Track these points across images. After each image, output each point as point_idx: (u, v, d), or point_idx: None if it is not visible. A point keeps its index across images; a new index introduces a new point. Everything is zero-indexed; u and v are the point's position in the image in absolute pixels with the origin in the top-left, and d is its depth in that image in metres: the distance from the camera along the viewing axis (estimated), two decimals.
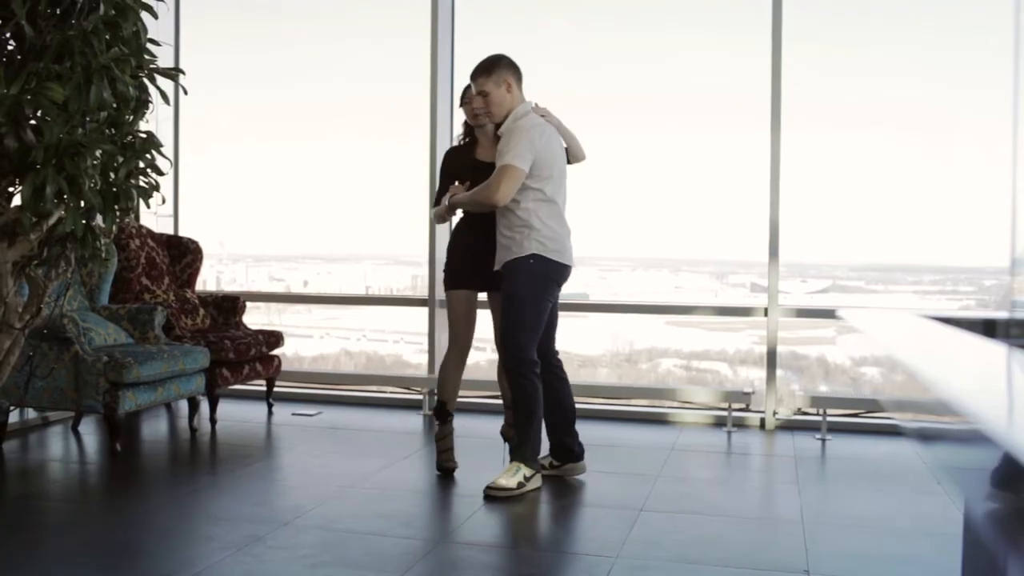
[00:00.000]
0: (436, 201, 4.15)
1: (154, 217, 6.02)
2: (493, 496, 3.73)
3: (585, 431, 4.16)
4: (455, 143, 4.28)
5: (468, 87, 4.03)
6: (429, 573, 2.96)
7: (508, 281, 3.87)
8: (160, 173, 3.06)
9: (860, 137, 5.83)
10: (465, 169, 4.05)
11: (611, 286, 6.76)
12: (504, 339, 3.88)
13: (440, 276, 5.82)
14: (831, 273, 6.50)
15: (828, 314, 5.42)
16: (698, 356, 6.78)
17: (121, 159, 2.88)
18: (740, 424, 5.29)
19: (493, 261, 3.95)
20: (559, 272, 3.91)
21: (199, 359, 4.85)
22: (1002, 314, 1.90)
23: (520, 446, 3.88)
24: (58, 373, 4.48)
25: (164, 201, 3.19)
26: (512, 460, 3.89)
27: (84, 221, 2.84)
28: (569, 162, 4.05)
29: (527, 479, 3.82)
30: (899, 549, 3.25)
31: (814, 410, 5.14)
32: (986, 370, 1.14)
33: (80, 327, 4.51)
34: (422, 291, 6.09)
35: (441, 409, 4.14)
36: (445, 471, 4.08)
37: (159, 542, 3.29)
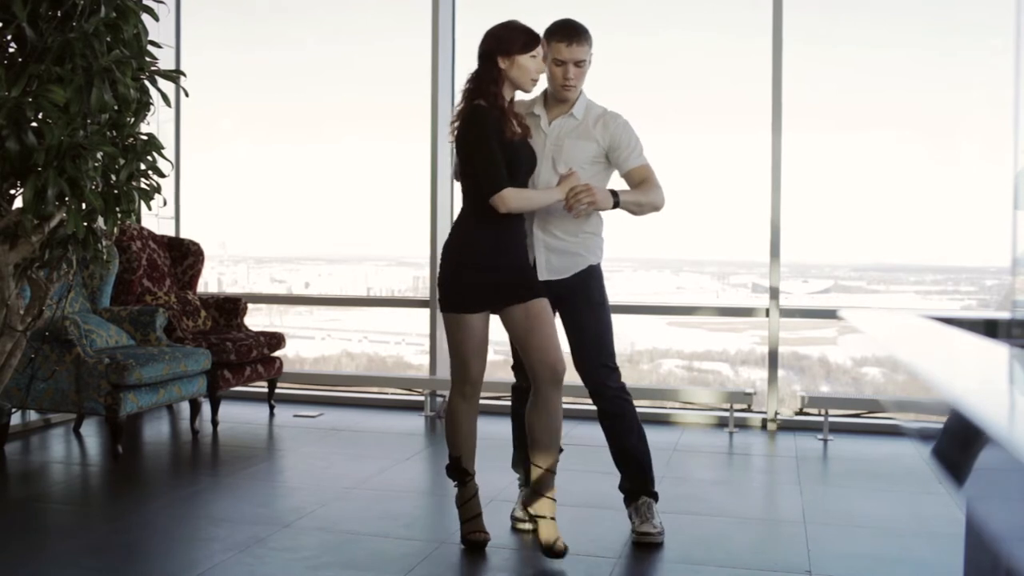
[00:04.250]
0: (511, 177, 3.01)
1: (155, 219, 6.03)
2: (649, 543, 3.22)
3: (586, 432, 4.16)
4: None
5: (538, 37, 3.06)
6: (431, 575, 2.96)
7: (587, 289, 3.31)
8: (161, 175, 3.07)
9: (861, 137, 5.83)
10: (521, 147, 3.10)
11: (613, 286, 6.76)
12: (599, 352, 3.30)
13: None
14: (832, 273, 6.50)
15: (829, 314, 5.42)
16: (700, 357, 6.78)
17: (122, 161, 2.89)
18: (742, 424, 5.29)
19: (518, 271, 3.12)
20: None
21: (200, 361, 4.85)
22: (1003, 314, 1.90)
23: (649, 476, 3.38)
24: (60, 375, 4.48)
25: (165, 203, 3.19)
26: (650, 496, 3.37)
27: (85, 223, 2.84)
28: None
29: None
30: (901, 550, 3.24)
31: (816, 410, 5.13)
32: (988, 370, 1.14)
33: (82, 329, 4.51)
34: (423, 292, 6.09)
35: (456, 467, 3.21)
36: (473, 545, 3.17)
37: (161, 544, 3.29)
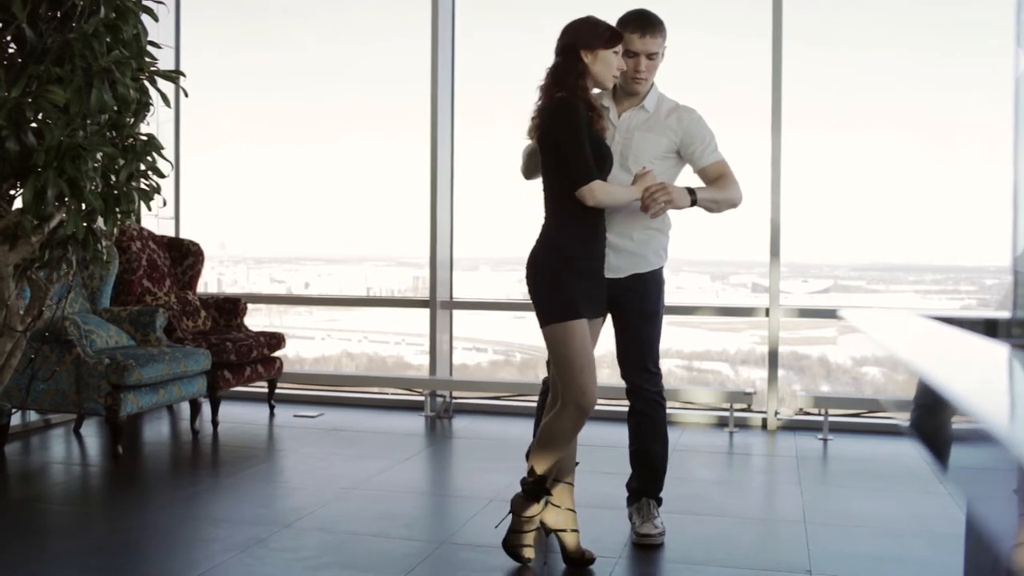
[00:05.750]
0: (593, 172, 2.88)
1: (155, 219, 6.03)
2: (649, 544, 3.21)
3: (587, 432, 4.14)
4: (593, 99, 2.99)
5: (621, 33, 2.99)
6: (430, 575, 2.96)
7: (644, 296, 3.23)
8: (161, 175, 3.06)
9: (861, 137, 5.83)
10: (604, 143, 3.02)
11: None
12: (645, 356, 3.26)
13: (442, 277, 5.87)
14: (832, 273, 6.50)
15: (829, 314, 5.42)
16: (699, 356, 6.78)
17: (122, 161, 2.88)
18: (742, 424, 5.29)
19: (603, 279, 3.05)
20: None
21: (200, 361, 4.85)
22: (1003, 314, 1.90)
23: (660, 481, 3.37)
24: (60, 376, 4.48)
25: (165, 203, 3.19)
26: (654, 498, 3.37)
27: (85, 224, 2.84)
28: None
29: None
30: (901, 549, 3.24)
31: (816, 410, 5.13)
32: (987, 370, 1.14)
33: (82, 329, 4.51)
34: (423, 292, 6.09)
35: (543, 485, 3.00)
36: (519, 559, 3.04)
37: (162, 544, 3.29)
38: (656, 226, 3.21)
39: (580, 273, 2.91)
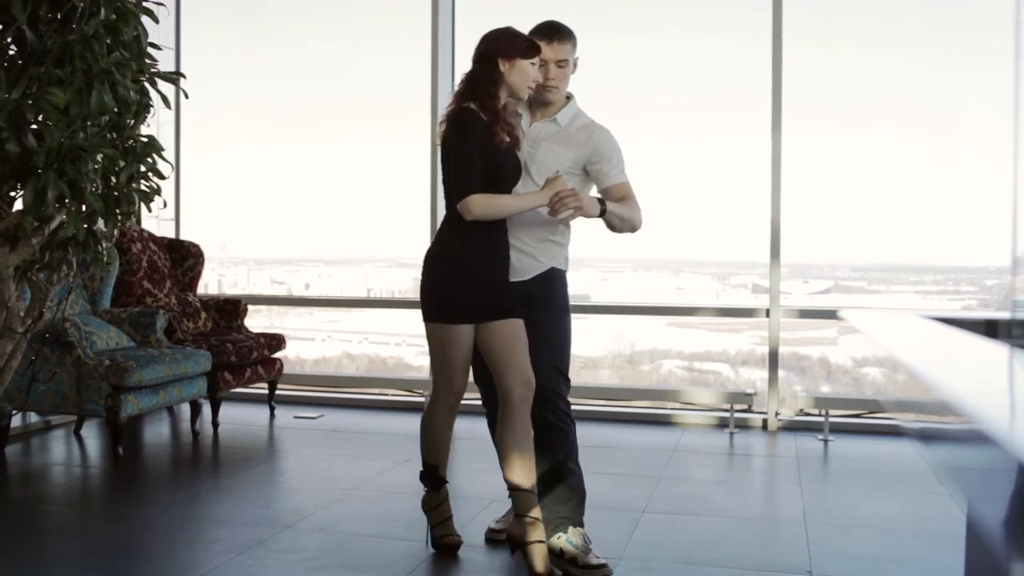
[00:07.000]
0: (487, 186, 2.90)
1: (155, 221, 6.03)
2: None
3: (587, 433, 4.15)
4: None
5: (539, 46, 2.99)
6: None
7: (550, 292, 3.15)
8: (161, 177, 3.06)
9: (861, 137, 5.83)
10: (507, 155, 3.00)
11: (613, 287, 6.77)
12: (553, 354, 3.11)
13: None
14: (833, 273, 6.51)
15: (830, 315, 5.42)
16: (700, 357, 6.78)
17: (122, 163, 2.88)
18: (742, 425, 5.29)
19: (504, 284, 3.02)
20: None
21: (201, 362, 4.85)
22: (1004, 314, 1.90)
23: (583, 504, 3.19)
24: (60, 377, 4.48)
25: (165, 205, 3.19)
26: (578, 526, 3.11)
27: (86, 225, 2.84)
28: None
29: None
30: (901, 550, 3.24)
31: (816, 411, 5.13)
32: (988, 371, 1.14)
33: (82, 331, 4.51)
34: None
35: (433, 474, 3.17)
36: (446, 549, 3.16)
37: (162, 545, 3.29)
38: (558, 239, 3.17)
39: (476, 277, 2.94)
